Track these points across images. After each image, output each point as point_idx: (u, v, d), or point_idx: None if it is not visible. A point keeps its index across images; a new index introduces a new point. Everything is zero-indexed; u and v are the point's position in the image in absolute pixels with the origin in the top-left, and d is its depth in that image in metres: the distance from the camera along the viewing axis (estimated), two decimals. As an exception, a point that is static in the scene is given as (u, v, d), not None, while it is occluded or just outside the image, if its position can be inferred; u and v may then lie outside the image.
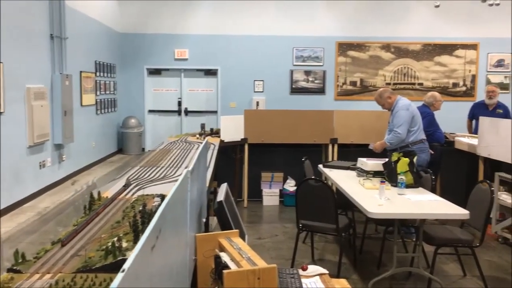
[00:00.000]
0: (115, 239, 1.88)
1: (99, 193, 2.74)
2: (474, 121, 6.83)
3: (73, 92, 7.73)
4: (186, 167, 1.84)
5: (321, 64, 11.19)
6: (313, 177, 4.33)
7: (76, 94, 8.12)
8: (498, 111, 6.47)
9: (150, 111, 11.36)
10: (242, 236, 2.44)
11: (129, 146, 10.76)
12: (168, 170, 3.72)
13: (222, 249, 1.99)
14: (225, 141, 6.30)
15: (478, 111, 6.47)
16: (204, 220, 2.59)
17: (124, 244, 1.85)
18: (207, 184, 3.18)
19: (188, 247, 1.77)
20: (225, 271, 1.64)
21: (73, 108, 7.75)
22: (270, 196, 6.65)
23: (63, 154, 7.59)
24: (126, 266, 0.80)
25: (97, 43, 9.41)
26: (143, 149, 10.93)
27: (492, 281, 4.05)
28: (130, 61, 11.08)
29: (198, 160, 2.11)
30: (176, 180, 2.27)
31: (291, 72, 11.18)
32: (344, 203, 4.40)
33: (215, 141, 6.01)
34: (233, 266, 1.78)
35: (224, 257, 1.87)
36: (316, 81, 11.22)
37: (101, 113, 9.63)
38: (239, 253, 1.86)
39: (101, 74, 9.63)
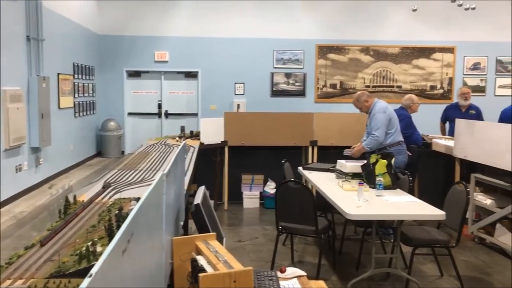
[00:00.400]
0: (90, 243, 1.85)
1: (74, 197, 2.71)
2: (447, 124, 6.94)
3: (50, 95, 7.62)
4: (164, 170, 1.82)
5: (301, 66, 11.25)
6: (292, 179, 4.34)
7: (54, 96, 8.00)
8: (471, 112, 6.60)
9: (130, 113, 11.26)
10: (220, 239, 2.43)
11: (108, 149, 10.64)
12: (147, 173, 3.69)
13: (199, 252, 1.98)
14: (205, 143, 6.27)
15: (452, 113, 6.58)
16: (182, 223, 2.57)
17: (99, 249, 1.83)
18: (186, 187, 3.17)
19: (164, 251, 1.76)
20: (201, 275, 1.64)
21: (51, 110, 7.63)
22: (251, 199, 6.64)
23: (40, 158, 7.46)
24: (93, 270, 0.79)
25: (75, 45, 9.29)
26: (123, 152, 10.82)
27: (469, 281, 4.11)
28: (109, 63, 10.97)
29: (175, 163, 2.10)
30: (153, 183, 2.25)
31: (272, 74, 11.21)
32: (323, 205, 4.42)
33: (195, 143, 5.98)
34: (209, 269, 1.78)
35: (201, 260, 1.86)
36: (296, 84, 11.27)
37: (79, 116, 9.50)
38: (215, 256, 1.86)
39: (80, 76, 9.51)
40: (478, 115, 6.60)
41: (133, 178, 3.49)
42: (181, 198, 2.66)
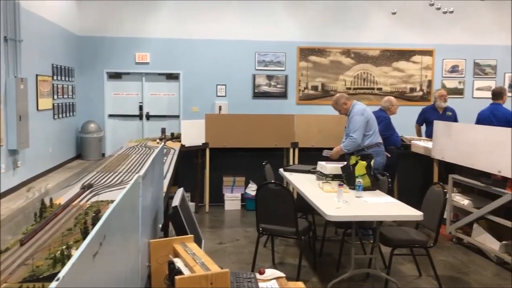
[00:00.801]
0: (64, 247, 1.83)
1: (51, 200, 2.67)
2: (424, 126, 7.03)
3: (28, 96, 7.50)
4: (140, 173, 1.81)
5: (283, 68, 11.29)
6: (272, 180, 4.35)
7: (32, 98, 7.88)
8: (448, 113, 6.71)
9: (111, 115, 11.15)
10: (198, 241, 2.42)
11: (88, 151, 10.52)
12: (126, 175, 3.66)
13: (177, 254, 1.97)
14: (186, 145, 6.25)
15: (430, 115, 6.67)
16: (160, 225, 2.55)
17: (74, 252, 1.80)
18: (165, 189, 3.15)
19: (140, 254, 1.74)
20: (177, 277, 1.63)
21: (29, 112, 7.51)
22: (232, 201, 6.63)
23: (18, 160, 7.34)
24: (61, 274, 0.78)
25: (54, 46, 9.17)
26: (103, 155, 10.70)
27: (446, 281, 4.17)
28: (89, 65, 10.85)
29: (152, 165, 2.08)
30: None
31: (254, 76, 11.23)
32: (304, 206, 4.43)
33: (176, 145, 5.95)
34: (186, 272, 1.77)
35: (178, 262, 1.85)
36: (278, 86, 11.30)
37: (58, 118, 9.38)
38: (193, 258, 1.85)
39: (59, 77, 9.38)
40: (454, 117, 6.72)
41: (111, 180, 3.45)
42: (160, 201, 2.64)
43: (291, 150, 6.65)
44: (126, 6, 10.77)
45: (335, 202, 3.82)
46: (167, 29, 10.91)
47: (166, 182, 3.59)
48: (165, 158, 4.75)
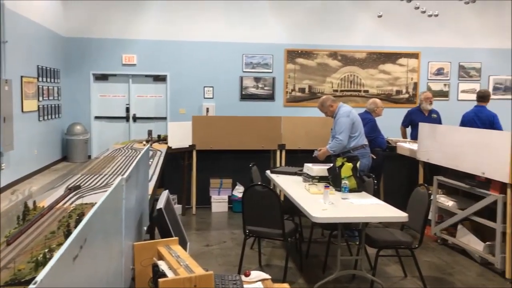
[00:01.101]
0: (47, 250, 1.81)
1: (34, 203, 2.64)
2: (409, 128, 7.09)
3: (13, 98, 7.42)
4: (123, 175, 1.80)
5: (270, 71, 11.31)
6: (259, 182, 4.36)
7: (17, 99, 7.79)
8: (433, 116, 6.79)
9: (97, 117, 11.06)
10: (183, 243, 2.42)
11: (74, 153, 10.42)
12: (111, 178, 3.64)
13: (161, 257, 1.96)
14: (173, 147, 6.23)
15: (417, 117, 6.73)
16: (145, 228, 2.54)
17: (57, 255, 1.79)
18: (150, 192, 3.13)
19: (124, 256, 1.73)
20: (160, 280, 1.62)
21: (13, 114, 7.43)
22: (219, 203, 6.62)
23: (3, 163, 7.24)
24: (39, 277, 0.77)
25: (40, 47, 9.08)
26: (89, 157, 10.61)
27: (431, 281, 4.21)
28: (75, 66, 10.76)
29: (137, 167, 2.07)
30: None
31: (241, 78, 11.23)
32: (291, 208, 4.44)
33: (162, 147, 5.93)
34: (170, 274, 1.76)
35: (162, 265, 1.85)
36: (265, 88, 11.32)
37: (44, 120, 9.28)
38: (177, 261, 1.84)
39: (44, 79, 9.29)
40: (439, 119, 6.80)
41: (96, 183, 3.43)
42: (145, 203, 2.63)
43: (278, 152, 6.67)
44: (113, 7, 10.71)
45: (321, 204, 3.84)
46: (154, 31, 10.86)
47: (151, 184, 3.57)
48: (151, 160, 4.73)
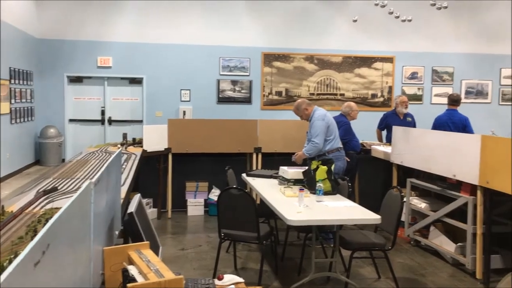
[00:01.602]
0: (13, 256, 1.77)
1: (2, 207, 2.58)
2: (385, 131, 7.19)
3: (-17, 100, 7.24)
4: (92, 179, 1.78)
5: (247, 74, 11.33)
6: (234, 186, 4.36)
7: (-13, 102, 7.61)
8: (408, 119, 6.90)
9: (71, 120, 10.89)
10: (155, 247, 2.40)
11: (47, 157, 10.23)
12: (83, 181, 3.58)
13: (131, 262, 1.94)
14: (148, 151, 6.17)
15: (392, 120, 6.83)
16: (117, 232, 2.51)
17: (23, 261, 1.75)
18: (123, 196, 3.10)
19: (93, 262, 1.71)
20: (129, 285, 1.61)
21: (-16, 117, 7.25)
22: (195, 206, 6.59)
23: (-28, 167, 7.07)
24: (-5, 284, 0.76)
25: (12, 48, 8.90)
26: (63, 160, 10.43)
27: (405, 282, 4.27)
28: (49, 68, 10.56)
29: (107, 171, 2.05)
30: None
31: (218, 81, 11.21)
32: (267, 211, 4.45)
33: (137, 151, 5.87)
34: (140, 279, 1.74)
35: (132, 270, 1.83)
36: (242, 91, 11.34)
37: (16, 123, 9.09)
38: (147, 265, 1.83)
39: (17, 81, 9.10)
40: (414, 123, 6.92)
41: (68, 186, 3.37)
42: (117, 207, 2.60)
43: (254, 155, 6.67)
44: (88, 8, 10.57)
45: (296, 207, 3.86)
46: (130, 33, 10.76)
47: (125, 188, 3.53)
48: (125, 164, 4.68)
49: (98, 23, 10.66)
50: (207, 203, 6.61)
